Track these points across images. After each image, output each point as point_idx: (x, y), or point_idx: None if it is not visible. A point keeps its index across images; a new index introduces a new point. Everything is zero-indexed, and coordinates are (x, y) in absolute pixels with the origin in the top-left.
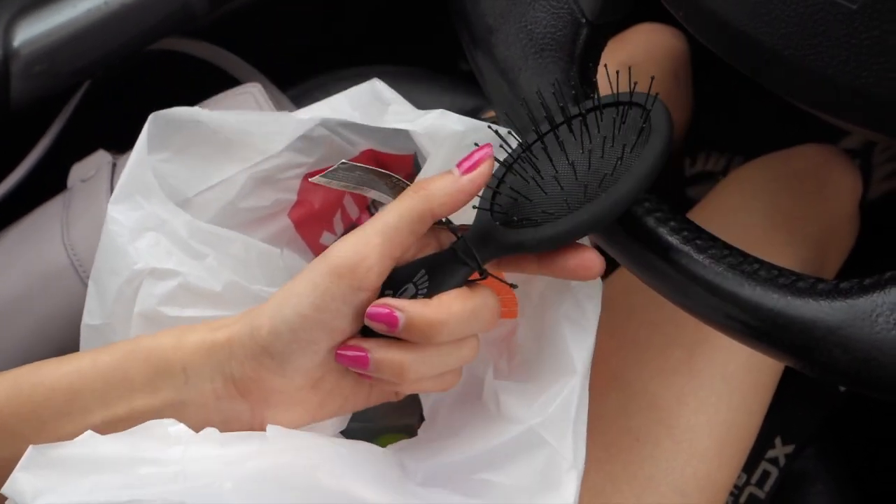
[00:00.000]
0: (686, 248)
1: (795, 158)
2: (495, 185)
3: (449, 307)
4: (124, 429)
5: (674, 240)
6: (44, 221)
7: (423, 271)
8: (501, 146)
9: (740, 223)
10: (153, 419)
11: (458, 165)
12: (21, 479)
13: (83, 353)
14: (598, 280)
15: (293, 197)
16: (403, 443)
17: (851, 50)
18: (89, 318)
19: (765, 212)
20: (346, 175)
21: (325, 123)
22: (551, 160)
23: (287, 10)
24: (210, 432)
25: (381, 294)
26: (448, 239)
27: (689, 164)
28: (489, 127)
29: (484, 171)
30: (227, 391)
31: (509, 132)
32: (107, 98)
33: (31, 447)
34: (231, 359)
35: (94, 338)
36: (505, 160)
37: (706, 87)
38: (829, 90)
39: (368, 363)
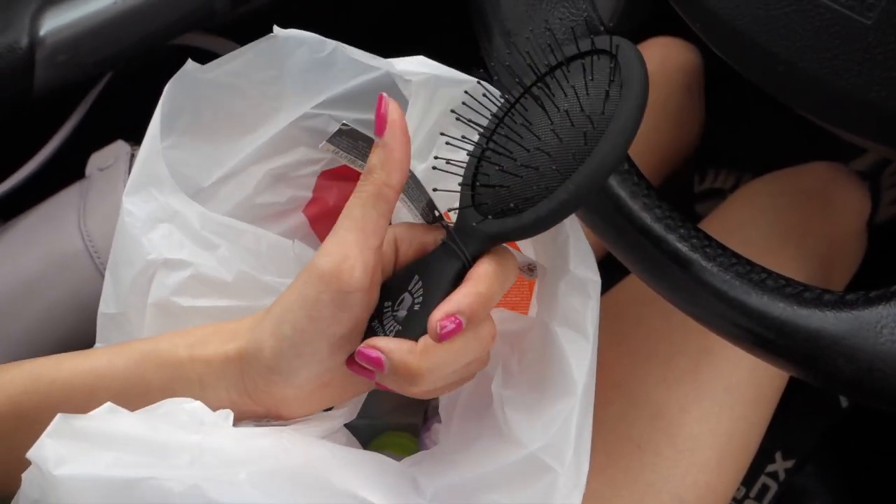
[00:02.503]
0: (695, 256)
1: (804, 176)
2: (472, 173)
3: (433, 355)
4: None
5: (683, 247)
6: (61, 207)
7: (416, 277)
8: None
9: (747, 237)
10: None
11: (376, 131)
12: (47, 446)
13: (98, 351)
14: (596, 279)
15: (308, 194)
16: (419, 455)
17: (865, 64)
18: (105, 306)
19: (772, 227)
20: (349, 143)
21: (337, 119)
22: (528, 128)
23: (300, 9)
24: (228, 425)
25: (381, 306)
26: (442, 235)
27: (698, 181)
28: (478, 82)
29: (395, 120)
30: (242, 400)
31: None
32: (128, 90)
33: (58, 415)
34: (243, 375)
35: (110, 326)
36: (478, 142)
37: (719, 102)
38: (842, 103)
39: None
